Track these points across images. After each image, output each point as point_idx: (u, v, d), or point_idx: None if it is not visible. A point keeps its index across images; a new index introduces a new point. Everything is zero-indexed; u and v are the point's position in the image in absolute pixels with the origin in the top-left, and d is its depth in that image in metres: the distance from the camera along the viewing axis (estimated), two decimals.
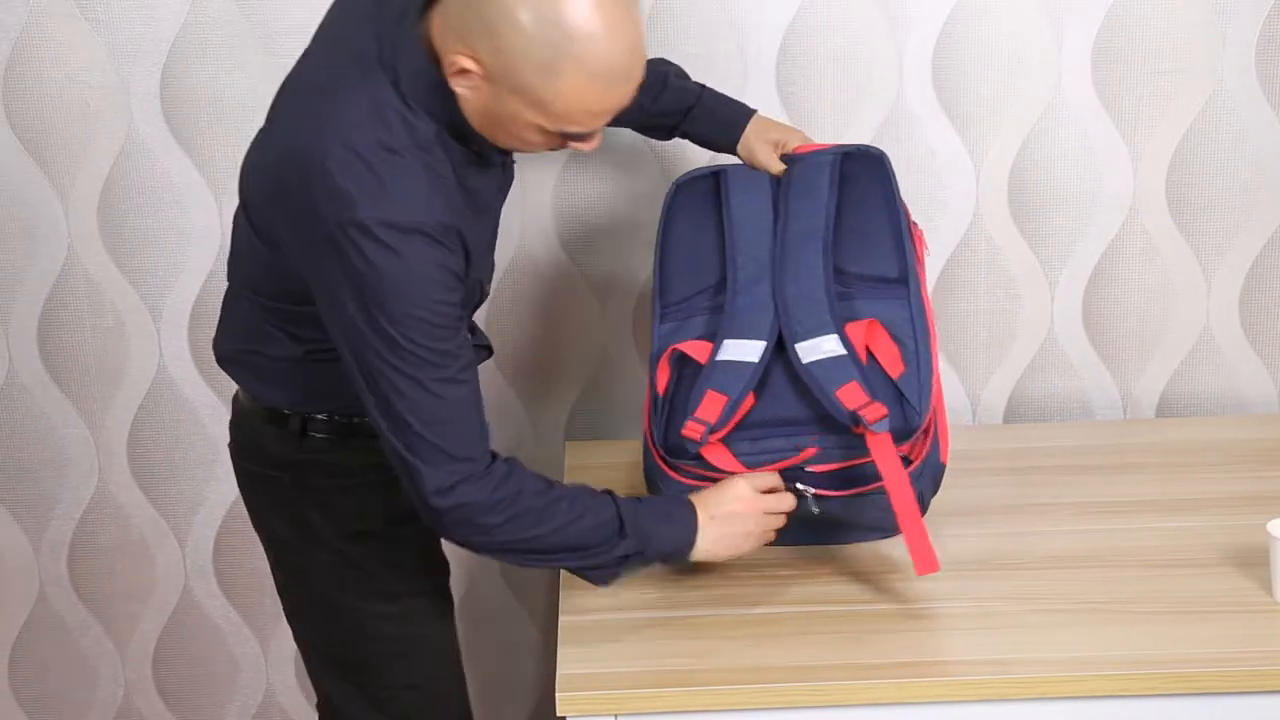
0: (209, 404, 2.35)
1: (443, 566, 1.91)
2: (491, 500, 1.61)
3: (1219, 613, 1.73)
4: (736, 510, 1.74)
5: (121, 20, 2.20)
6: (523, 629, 2.47)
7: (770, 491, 1.77)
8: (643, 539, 1.69)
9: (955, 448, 2.22)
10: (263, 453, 1.82)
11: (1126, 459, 2.15)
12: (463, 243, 1.59)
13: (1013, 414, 2.37)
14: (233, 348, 1.82)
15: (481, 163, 1.64)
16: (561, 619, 1.76)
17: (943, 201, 2.29)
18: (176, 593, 2.44)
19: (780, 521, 1.78)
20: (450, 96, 1.55)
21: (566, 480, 2.10)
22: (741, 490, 1.75)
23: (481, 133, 1.59)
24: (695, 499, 1.75)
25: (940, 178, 2.28)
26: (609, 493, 1.71)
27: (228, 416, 2.33)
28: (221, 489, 2.39)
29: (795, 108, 2.25)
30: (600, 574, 1.71)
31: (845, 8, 2.21)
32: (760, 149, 1.98)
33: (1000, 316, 2.34)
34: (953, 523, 1.95)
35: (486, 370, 2.14)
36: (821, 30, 2.22)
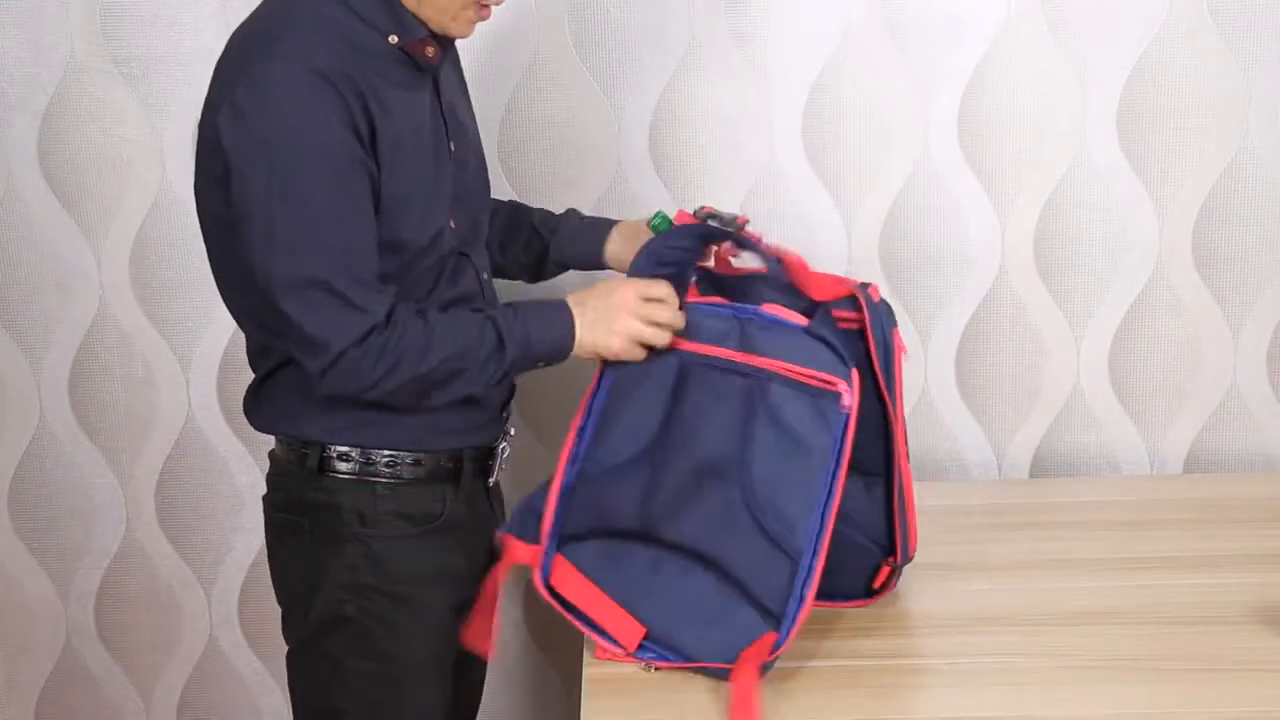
0: (236, 453, 2.36)
1: (448, 638, 1.85)
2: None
3: (1247, 671, 1.71)
4: (613, 303, 1.73)
5: (155, 76, 2.23)
6: (546, 678, 2.46)
7: (654, 301, 1.74)
8: (523, 345, 1.71)
9: (981, 502, 2.22)
10: (286, 495, 1.82)
11: (1153, 515, 2.14)
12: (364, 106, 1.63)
13: (1039, 469, 2.37)
14: (251, 392, 1.82)
15: (413, 69, 1.70)
16: (585, 670, 1.76)
17: (968, 257, 2.29)
18: (202, 642, 2.44)
19: (659, 335, 1.73)
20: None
21: None
22: (624, 291, 1.74)
23: (414, 12, 1.68)
24: (572, 295, 1.76)
25: (966, 233, 2.28)
26: (480, 310, 1.74)
27: (254, 466, 2.37)
28: (248, 538, 2.40)
29: (820, 161, 2.26)
30: (483, 384, 1.72)
31: (871, 63, 2.22)
32: (631, 250, 1.88)
33: (1026, 371, 2.34)
34: (978, 577, 1.94)
35: None
36: (847, 84, 2.23)
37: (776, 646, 1.65)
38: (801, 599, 1.66)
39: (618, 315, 1.73)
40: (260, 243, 1.62)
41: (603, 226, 1.97)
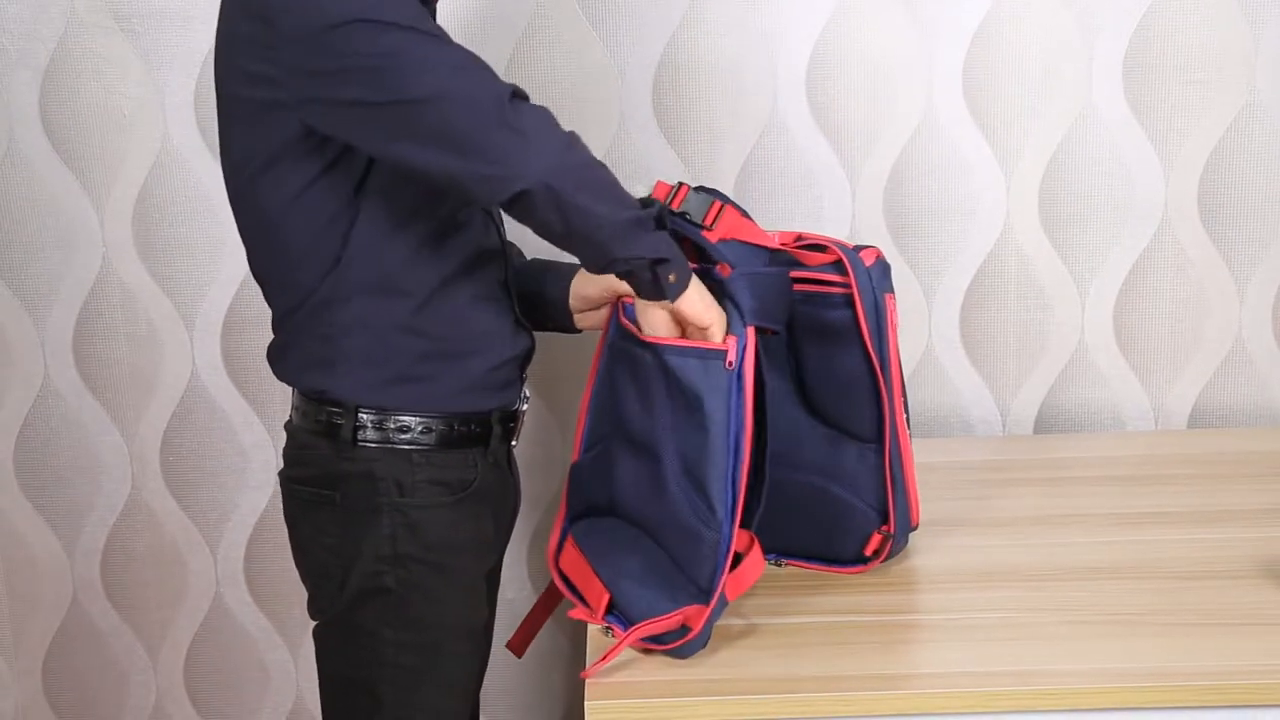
0: (241, 412, 2.37)
1: (482, 604, 1.87)
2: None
3: (1250, 625, 1.71)
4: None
5: (157, 31, 2.22)
6: (552, 639, 2.47)
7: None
8: (671, 247, 1.66)
9: (985, 458, 2.22)
10: (311, 470, 1.79)
11: (1158, 470, 2.14)
12: None
13: (1043, 425, 2.37)
14: (279, 342, 1.80)
15: None
16: (591, 628, 1.76)
17: (973, 212, 2.28)
18: (208, 600, 2.45)
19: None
20: None
21: None
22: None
23: None
24: None
25: (970, 188, 2.27)
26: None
27: (259, 424, 2.37)
28: (253, 496, 2.40)
29: (824, 116, 2.25)
30: (637, 244, 1.64)
31: (875, 18, 2.21)
32: (589, 286, 1.85)
33: (1031, 327, 2.33)
34: (981, 533, 1.94)
35: None
36: (852, 40, 2.22)
37: (706, 623, 1.65)
38: (717, 570, 1.66)
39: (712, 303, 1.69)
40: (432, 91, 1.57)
41: (565, 270, 1.91)
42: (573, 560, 1.81)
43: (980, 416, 2.35)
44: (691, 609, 1.65)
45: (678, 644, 1.66)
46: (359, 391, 1.74)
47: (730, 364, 1.65)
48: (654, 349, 1.71)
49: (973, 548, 1.89)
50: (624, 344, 1.78)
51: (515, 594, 2.41)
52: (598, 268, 1.67)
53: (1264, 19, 2.20)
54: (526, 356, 1.84)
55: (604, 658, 1.64)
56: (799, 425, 1.82)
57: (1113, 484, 2.10)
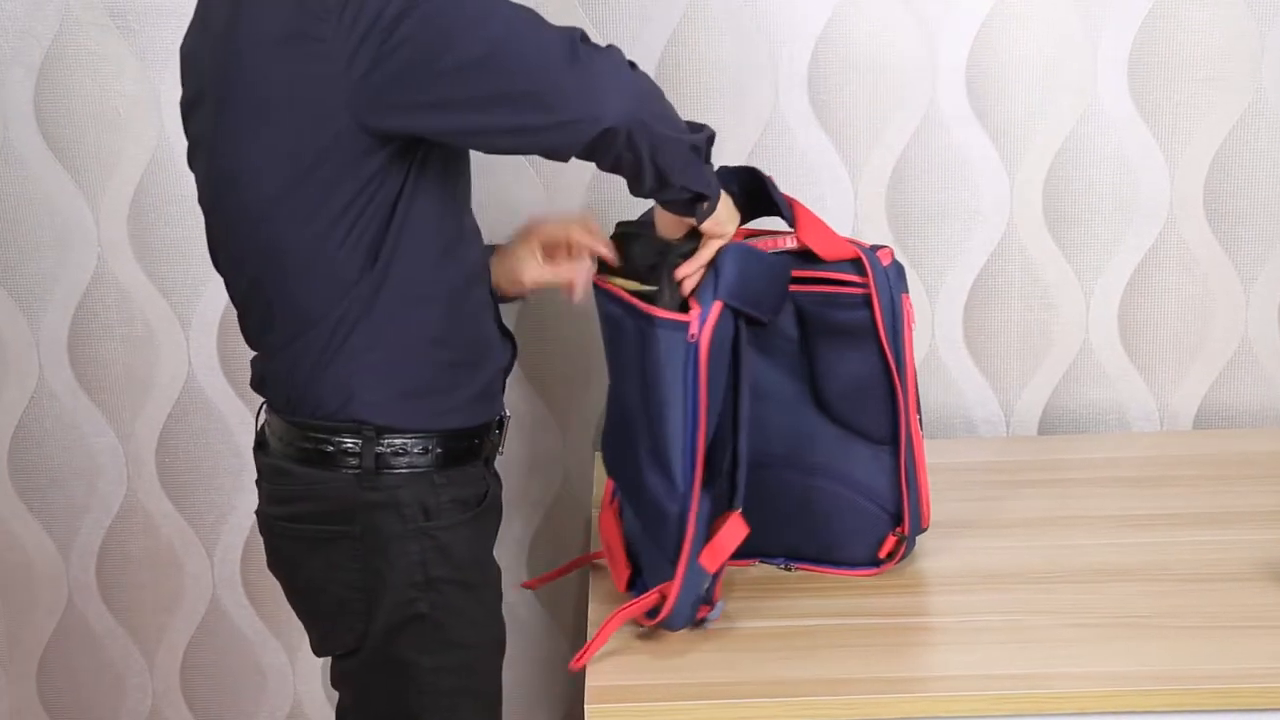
0: (237, 413, 2.35)
1: (502, 619, 1.85)
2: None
3: (1258, 628, 1.70)
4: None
5: (152, 29, 2.20)
6: (553, 641, 2.46)
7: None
8: (714, 183, 1.67)
9: (989, 459, 2.21)
10: (322, 506, 1.71)
11: (1163, 471, 2.13)
12: None
13: (1047, 425, 2.35)
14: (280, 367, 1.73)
15: None
16: (591, 631, 1.75)
17: (976, 210, 2.27)
18: (204, 602, 2.44)
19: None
20: None
21: (596, 489, 2.09)
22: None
23: None
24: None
25: (974, 186, 2.26)
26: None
27: (256, 427, 2.35)
28: (249, 499, 2.38)
29: (826, 114, 2.23)
30: (695, 173, 1.64)
31: (878, 15, 2.20)
32: (522, 252, 1.83)
33: (1035, 326, 2.32)
34: (986, 535, 1.93)
35: (515, 378, 2.14)
36: (854, 38, 2.21)
37: (679, 595, 1.65)
38: (681, 541, 1.65)
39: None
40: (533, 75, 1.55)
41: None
42: (609, 525, 1.82)
43: (984, 417, 2.34)
44: (667, 585, 1.65)
45: (658, 619, 1.66)
46: (377, 408, 1.68)
47: (691, 336, 1.63)
48: (634, 311, 1.69)
49: (977, 549, 1.88)
50: (610, 309, 1.75)
51: (515, 596, 2.40)
52: (648, 192, 1.65)
53: (1270, 16, 2.19)
54: (511, 363, 1.83)
55: (587, 647, 1.64)
56: (810, 426, 1.81)
57: (1118, 485, 2.09)
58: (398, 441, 1.68)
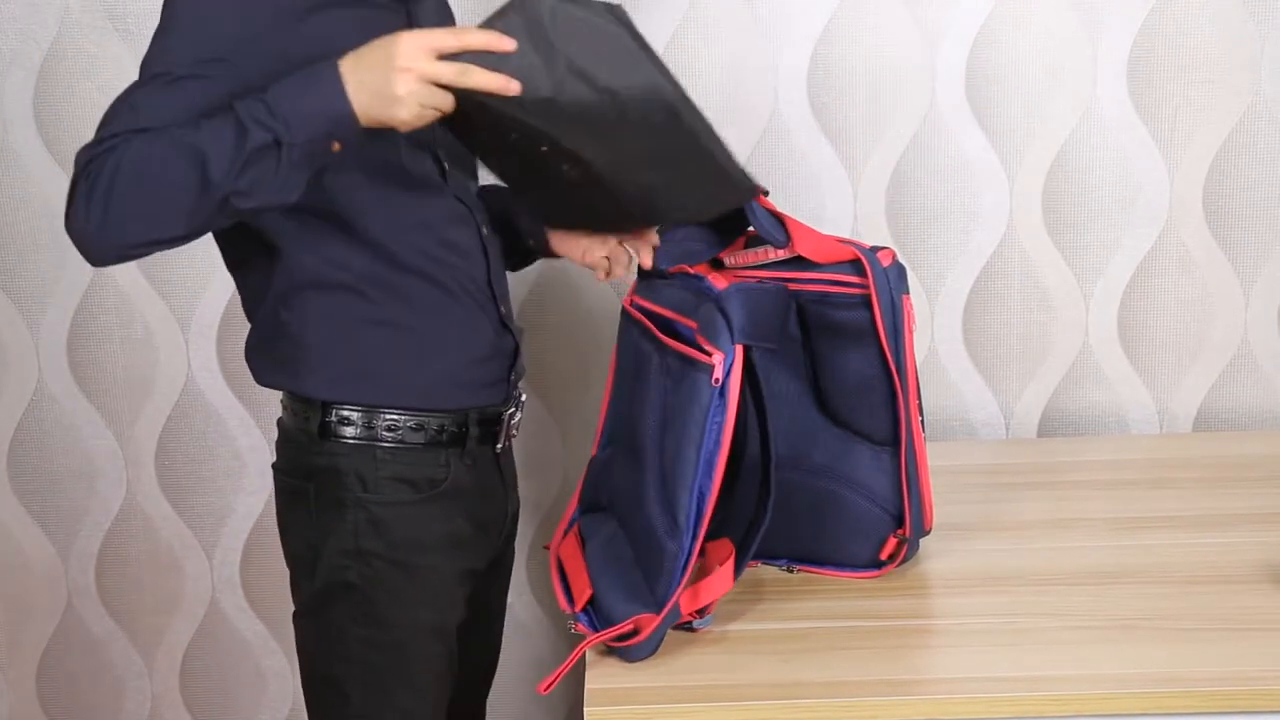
0: (237, 415, 2.35)
1: (453, 604, 1.82)
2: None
3: (1258, 630, 1.70)
4: (395, 65, 1.50)
5: (151, 31, 2.20)
6: (551, 645, 2.46)
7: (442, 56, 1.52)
8: (274, 119, 1.52)
9: (988, 461, 2.21)
10: (291, 462, 1.80)
11: (1162, 474, 2.13)
12: None
13: (1047, 428, 2.35)
14: (250, 344, 1.79)
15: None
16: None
17: (976, 213, 2.27)
18: (204, 605, 2.44)
19: (443, 97, 1.52)
20: None
21: None
22: (405, 45, 1.50)
23: None
24: (349, 55, 1.53)
25: (973, 189, 2.26)
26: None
27: (255, 428, 2.35)
28: (249, 501, 2.38)
29: (825, 116, 2.23)
30: (243, 179, 1.52)
31: (877, 18, 2.20)
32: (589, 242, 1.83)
33: (1034, 329, 2.32)
34: (985, 537, 1.93)
35: None
36: (854, 40, 2.21)
37: (654, 631, 1.63)
38: (673, 583, 1.64)
39: (400, 78, 1.51)
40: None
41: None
42: (571, 550, 1.81)
43: (983, 419, 2.34)
44: (644, 616, 1.64)
45: (626, 645, 1.64)
46: (327, 387, 1.73)
47: (716, 380, 1.63)
48: (660, 346, 1.69)
49: (976, 552, 1.88)
50: (637, 340, 1.76)
51: (514, 598, 2.40)
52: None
53: (1270, 18, 2.19)
54: (510, 358, 1.82)
55: (557, 673, 1.63)
56: (812, 426, 1.81)
57: (1117, 488, 2.08)
58: (344, 413, 1.73)
